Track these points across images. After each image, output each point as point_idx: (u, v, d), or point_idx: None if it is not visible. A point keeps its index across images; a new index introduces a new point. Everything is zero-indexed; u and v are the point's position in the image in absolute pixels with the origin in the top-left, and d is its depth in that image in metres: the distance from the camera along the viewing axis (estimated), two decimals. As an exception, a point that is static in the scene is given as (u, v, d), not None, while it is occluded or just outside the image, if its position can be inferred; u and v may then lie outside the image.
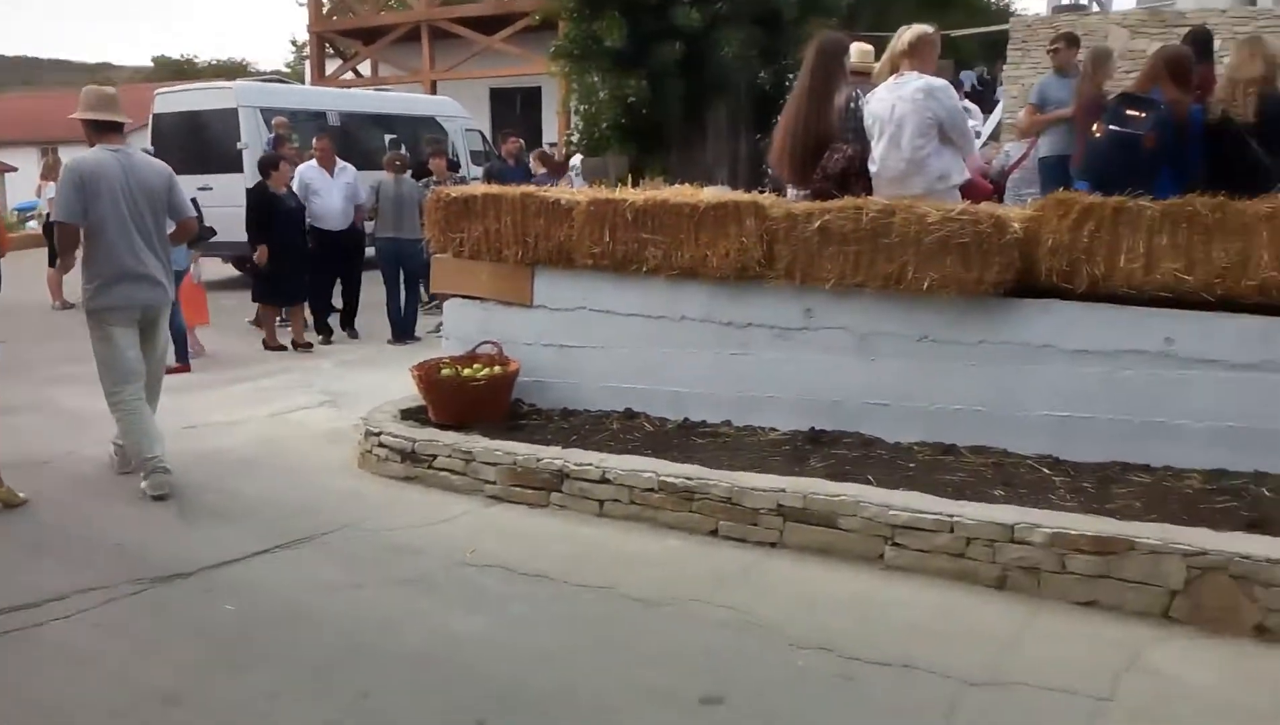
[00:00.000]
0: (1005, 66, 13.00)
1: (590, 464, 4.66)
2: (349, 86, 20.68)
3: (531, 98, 21.74)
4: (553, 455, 4.79)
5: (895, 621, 3.54)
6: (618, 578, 3.94)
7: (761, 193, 5.44)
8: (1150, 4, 15.72)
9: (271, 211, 8.83)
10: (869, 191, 5.12)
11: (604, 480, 4.59)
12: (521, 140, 12.43)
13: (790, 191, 5.56)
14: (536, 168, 11.34)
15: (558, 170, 11.45)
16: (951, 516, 3.87)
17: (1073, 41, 8.00)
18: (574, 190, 6.34)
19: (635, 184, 6.54)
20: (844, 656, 3.28)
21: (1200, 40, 6.63)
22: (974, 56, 20.58)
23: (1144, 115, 4.98)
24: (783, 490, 4.19)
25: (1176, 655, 3.29)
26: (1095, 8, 15.63)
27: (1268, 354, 4.24)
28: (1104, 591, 3.61)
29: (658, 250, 5.37)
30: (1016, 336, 4.68)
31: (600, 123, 13.15)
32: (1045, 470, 4.44)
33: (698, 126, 13.19)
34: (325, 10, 22.56)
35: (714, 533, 4.32)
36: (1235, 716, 2.93)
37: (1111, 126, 5.07)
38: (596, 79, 12.98)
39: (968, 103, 10.13)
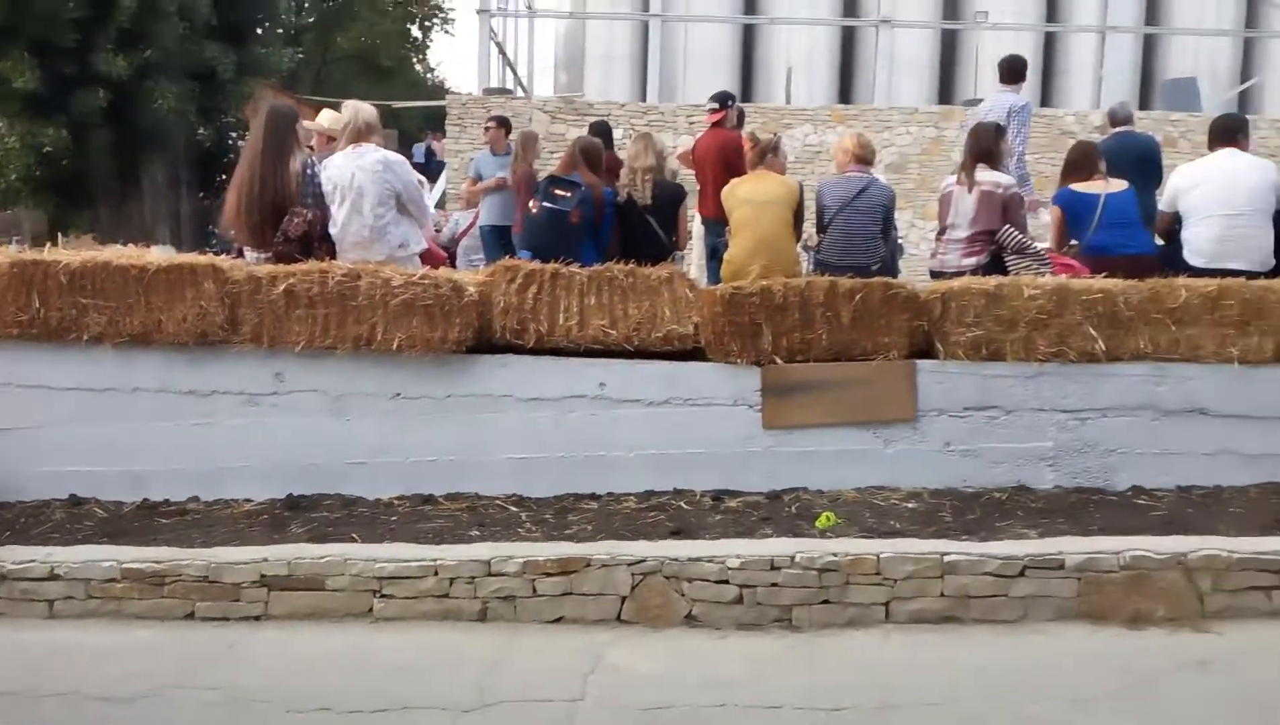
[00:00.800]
0: (445, 141, 13.92)
1: (34, 560, 4.11)
2: None
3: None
4: (-20, 557, 4.14)
5: (389, 668, 3.68)
6: (80, 681, 3.54)
7: (210, 253, 5.29)
8: (564, 94, 17.97)
9: None
10: (332, 255, 5.25)
11: (53, 576, 4.09)
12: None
13: (249, 254, 5.46)
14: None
15: None
16: (434, 560, 4.12)
17: (503, 123, 8.90)
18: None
19: (57, 242, 5.93)
20: (344, 711, 3.34)
21: (603, 131, 7.81)
22: (414, 128, 21.61)
23: (569, 194, 5.79)
24: (265, 559, 4.11)
25: (630, 651, 3.87)
26: (520, 92, 17.41)
27: (674, 392, 5.17)
28: (569, 607, 4.10)
29: (101, 316, 4.95)
30: (479, 389, 5.13)
31: (8, 173, 11.51)
32: (513, 508, 4.91)
33: (132, 181, 12.16)
34: None
35: (191, 615, 4.08)
36: (676, 690, 3.54)
37: (545, 203, 5.81)
38: (2, 124, 11.37)
39: (418, 175, 10.67)
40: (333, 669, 3.67)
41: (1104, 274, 5.27)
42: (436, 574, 4.09)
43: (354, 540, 4.35)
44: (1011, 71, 7.50)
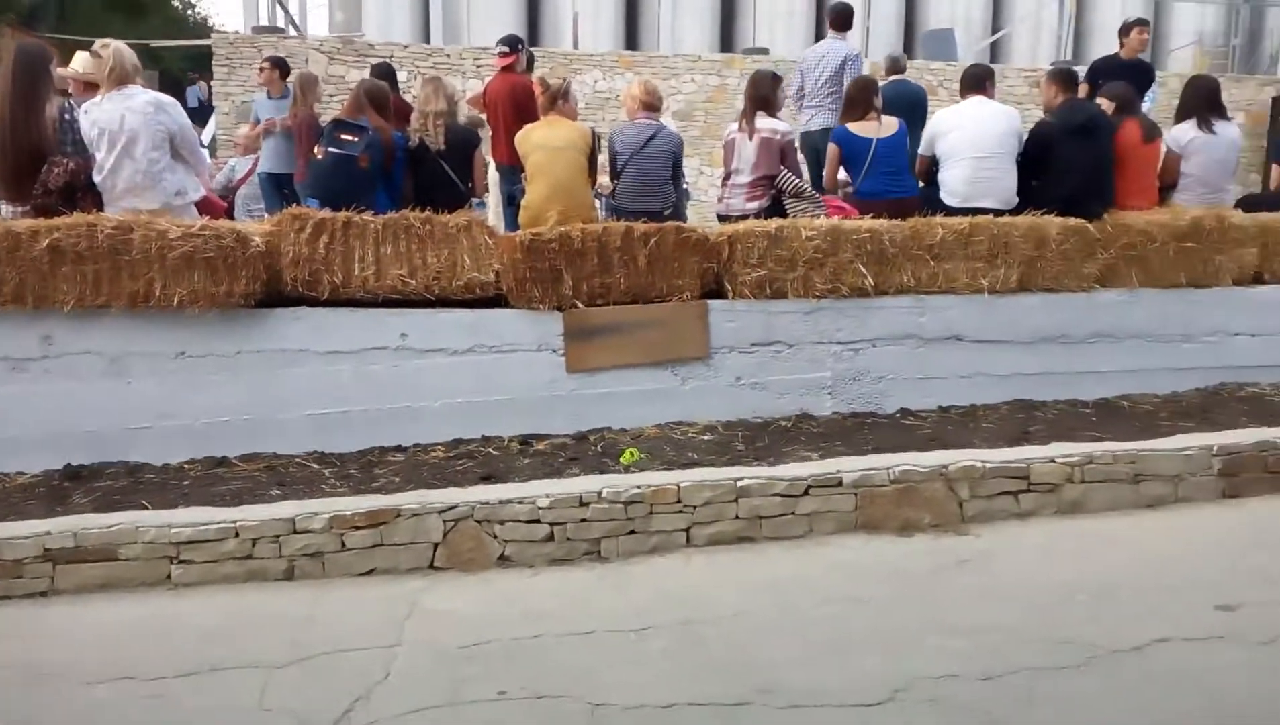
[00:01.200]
0: (214, 83, 13.05)
1: None
2: None
3: None
4: None
5: (195, 632, 3.58)
6: None
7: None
8: (342, 33, 17.17)
9: None
10: (99, 207, 4.91)
11: None
12: None
13: (4, 208, 5.01)
14: None
15: None
16: (235, 522, 4.01)
17: (278, 64, 8.41)
18: None
19: None
20: (148, 679, 3.24)
21: (387, 74, 7.58)
22: (177, 70, 20.09)
23: (356, 139, 5.63)
24: (48, 533, 3.87)
25: (445, 595, 3.94)
26: (293, 31, 16.50)
27: (477, 341, 5.20)
28: (381, 559, 4.11)
29: None
30: (272, 344, 4.97)
31: None
32: (315, 465, 4.82)
33: None
34: None
35: (-36, 597, 3.80)
36: (492, 626, 3.64)
37: (330, 149, 5.62)
38: None
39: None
40: (132, 639, 3.54)
41: (872, 215, 5.69)
42: (238, 535, 3.99)
43: (145, 507, 4.16)
44: (841, 19, 7.71)
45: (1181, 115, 6.45)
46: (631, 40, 19.99)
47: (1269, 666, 3.25)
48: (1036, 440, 4.99)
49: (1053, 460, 4.62)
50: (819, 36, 20.40)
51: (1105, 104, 6.19)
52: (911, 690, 3.11)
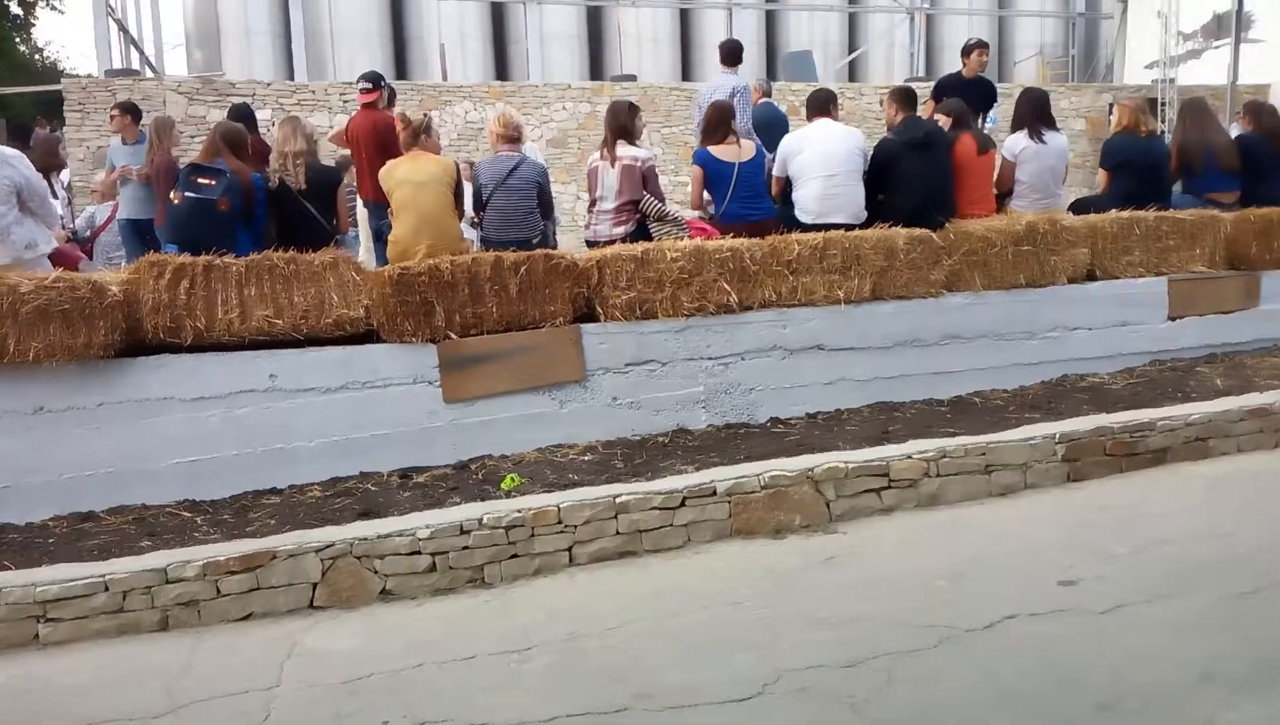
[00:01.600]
0: (66, 129, 12.62)
1: None
2: None
3: None
4: None
5: (66, 690, 3.49)
6: None
7: None
8: (201, 73, 16.80)
9: None
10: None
11: None
12: None
13: None
14: None
15: None
16: (103, 576, 3.92)
17: (129, 110, 8.21)
18: None
19: None
20: (16, 745, 3.15)
21: (244, 115, 7.50)
22: (29, 114, 19.28)
23: (214, 182, 5.56)
24: (-102, 603, 3.72)
25: (326, 633, 3.93)
26: (149, 73, 16.06)
27: (350, 377, 5.20)
28: (259, 602, 4.07)
29: None
30: (136, 394, 4.87)
31: None
32: (186, 514, 4.73)
33: None
34: None
35: None
36: (375, 660, 3.65)
37: (187, 194, 5.54)
38: None
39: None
40: (-4, 705, 3.43)
41: (732, 234, 5.92)
42: (107, 589, 3.90)
43: (6, 568, 4.02)
44: (730, 55, 8.08)
45: (1015, 126, 6.92)
46: (501, 70, 20.13)
47: (1106, 633, 3.53)
48: (896, 439, 5.27)
49: (910, 457, 4.89)
50: (685, 63, 21.00)
51: (942, 119, 6.60)
52: (780, 682, 3.27)
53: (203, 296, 4.99)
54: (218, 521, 4.62)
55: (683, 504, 4.57)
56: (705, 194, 6.44)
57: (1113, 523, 4.59)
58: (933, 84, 8.96)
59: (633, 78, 16.11)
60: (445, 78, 16.86)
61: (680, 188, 12.16)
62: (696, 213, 6.47)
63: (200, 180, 5.52)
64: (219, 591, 4.02)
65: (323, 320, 5.19)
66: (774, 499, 4.67)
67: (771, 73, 19.00)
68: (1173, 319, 6.71)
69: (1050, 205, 6.79)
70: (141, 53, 16.66)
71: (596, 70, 20.17)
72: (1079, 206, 7.21)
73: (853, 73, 20.94)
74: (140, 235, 7.47)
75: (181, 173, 5.71)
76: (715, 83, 8.21)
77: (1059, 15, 22.30)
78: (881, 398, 6.01)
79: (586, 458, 5.30)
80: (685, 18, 21.07)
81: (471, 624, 3.94)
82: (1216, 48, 16.83)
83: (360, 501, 4.79)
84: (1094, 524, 4.58)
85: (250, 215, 5.65)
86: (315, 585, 4.13)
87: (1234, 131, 7.99)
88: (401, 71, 19.36)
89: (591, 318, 5.66)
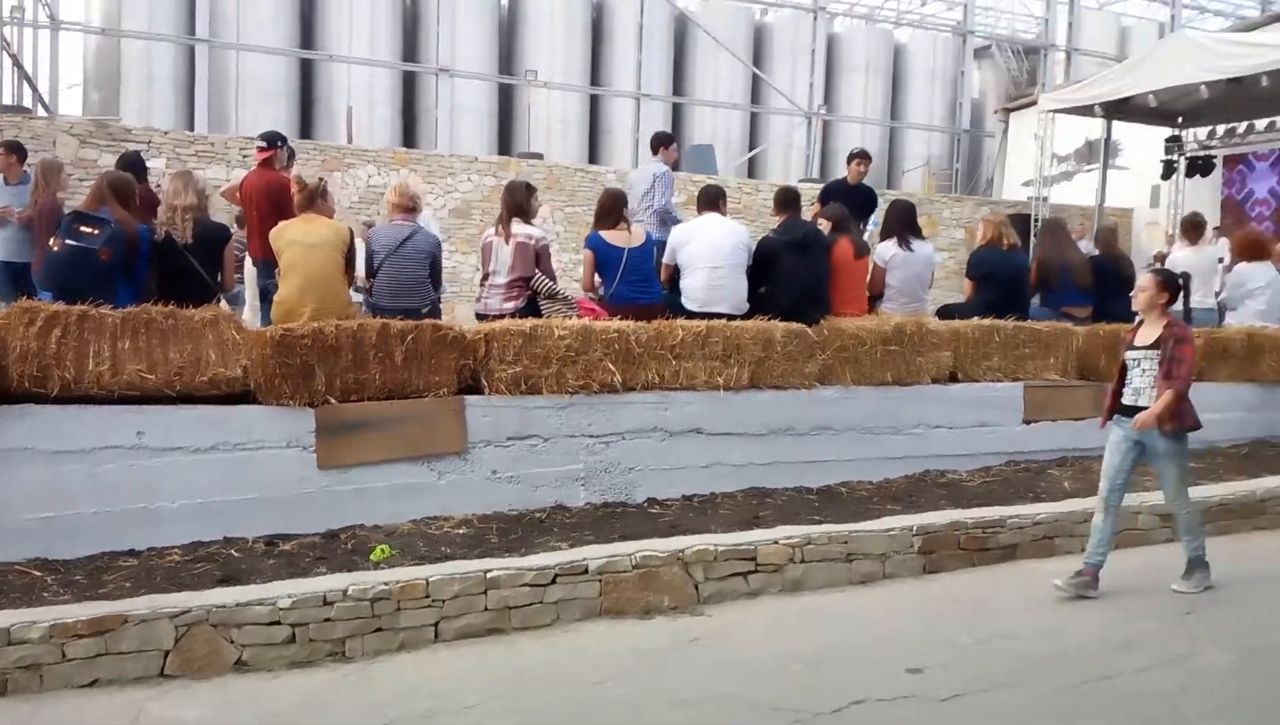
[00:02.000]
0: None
1: None
2: None
3: None
4: None
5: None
6: None
7: None
8: (97, 116, 16.41)
9: None
10: None
11: None
12: None
13: None
14: None
15: None
16: (-63, 636, 3.74)
17: (13, 149, 7.96)
18: None
19: None
20: None
21: (134, 164, 7.37)
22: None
23: (97, 231, 5.46)
24: None
25: (174, 703, 3.81)
26: (41, 111, 15.62)
27: (222, 438, 5.10)
28: (105, 668, 3.92)
29: None
30: (-8, 444, 4.69)
31: None
32: (36, 572, 4.53)
33: None
34: None
35: None
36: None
37: (68, 241, 5.42)
38: None
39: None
40: None
41: (620, 316, 6.09)
42: (-60, 650, 3.71)
43: None
44: (655, 143, 8.40)
45: (884, 235, 7.36)
46: (409, 137, 20.21)
47: (947, 718, 3.71)
48: (765, 524, 5.43)
49: (777, 542, 5.06)
50: (592, 146, 21.48)
51: (824, 223, 6.98)
52: (632, 762, 3.32)
53: (74, 347, 4.86)
54: (69, 582, 4.44)
55: (554, 581, 4.61)
56: (596, 276, 6.62)
57: (964, 616, 4.81)
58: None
59: (540, 156, 16.40)
60: (351, 140, 16.84)
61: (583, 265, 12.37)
62: (588, 293, 6.63)
63: (83, 228, 5.42)
64: (64, 655, 3.87)
65: (198, 378, 5.11)
66: (644, 579, 4.75)
67: (675, 164, 19.58)
68: (1027, 423, 7.14)
69: (917, 309, 7.20)
70: (35, 89, 16.19)
71: (505, 146, 20.44)
72: (945, 312, 7.65)
73: (752, 169, 21.73)
74: (15, 279, 7.21)
75: (65, 220, 5.59)
76: (642, 169, 8.54)
77: (945, 130, 23.69)
78: (755, 483, 6.19)
79: (461, 531, 5.29)
80: (595, 103, 21.62)
81: (328, 698, 3.88)
82: (1087, 171, 18.12)
83: (221, 567, 4.67)
84: (943, 616, 4.80)
85: (132, 266, 5.56)
86: (167, 653, 4.01)
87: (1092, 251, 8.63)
88: (307, 131, 19.26)
89: (476, 390, 5.71)
